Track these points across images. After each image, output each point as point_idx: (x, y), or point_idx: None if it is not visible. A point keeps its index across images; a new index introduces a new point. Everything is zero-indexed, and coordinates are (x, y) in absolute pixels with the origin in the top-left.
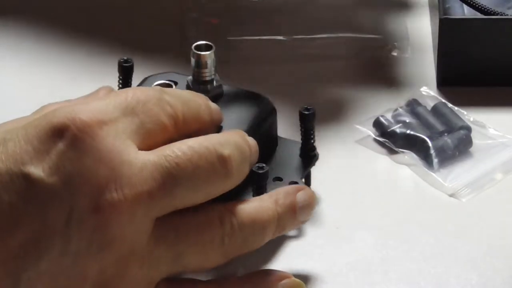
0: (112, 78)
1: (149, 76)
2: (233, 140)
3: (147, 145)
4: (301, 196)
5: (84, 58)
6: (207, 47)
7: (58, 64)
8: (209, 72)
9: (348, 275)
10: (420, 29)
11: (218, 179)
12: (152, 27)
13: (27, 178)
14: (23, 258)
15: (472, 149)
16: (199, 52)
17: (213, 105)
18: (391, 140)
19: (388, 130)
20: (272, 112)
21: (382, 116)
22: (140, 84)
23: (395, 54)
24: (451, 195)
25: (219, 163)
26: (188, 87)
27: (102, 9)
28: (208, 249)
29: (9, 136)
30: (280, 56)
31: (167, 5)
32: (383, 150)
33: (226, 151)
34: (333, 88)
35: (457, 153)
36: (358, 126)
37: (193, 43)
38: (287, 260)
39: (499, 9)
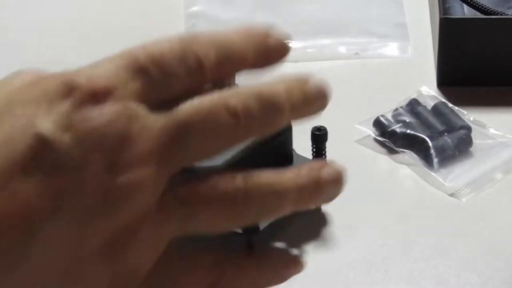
0: None
1: None
2: (249, 90)
3: (159, 100)
4: (327, 170)
5: (82, 61)
6: None
7: (56, 66)
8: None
9: (348, 275)
10: (420, 29)
11: (228, 130)
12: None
13: (39, 137)
14: (37, 218)
15: (472, 149)
16: None
17: (256, 31)
18: (391, 139)
19: (388, 129)
20: (288, 127)
21: (382, 116)
22: None
23: (395, 54)
24: (451, 195)
25: (227, 113)
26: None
27: (103, 9)
28: (222, 210)
29: (17, 97)
30: None
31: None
32: (383, 150)
33: (233, 101)
34: (333, 88)
35: (457, 153)
36: (358, 126)
37: None
38: None
39: (499, 9)
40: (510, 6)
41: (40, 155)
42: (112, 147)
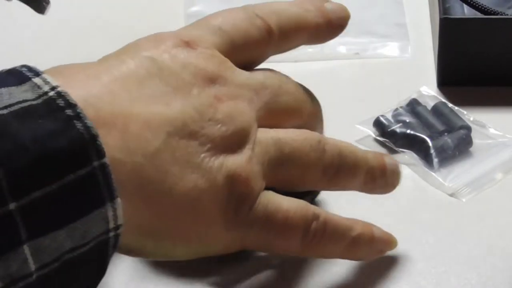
0: None
1: None
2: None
3: (243, 60)
4: (388, 159)
5: (82, 61)
6: None
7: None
8: None
9: (348, 275)
10: (420, 29)
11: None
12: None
13: (153, 60)
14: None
15: (472, 149)
16: None
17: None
18: (391, 139)
19: (388, 129)
20: None
21: (382, 115)
22: None
23: (395, 54)
24: (451, 195)
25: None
26: None
27: (102, 9)
28: (311, 158)
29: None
30: (280, 56)
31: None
32: (383, 150)
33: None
34: (333, 88)
35: (457, 153)
36: (358, 126)
37: None
38: (287, 260)
39: (499, 9)
40: (510, 6)
41: (152, 70)
42: (212, 79)
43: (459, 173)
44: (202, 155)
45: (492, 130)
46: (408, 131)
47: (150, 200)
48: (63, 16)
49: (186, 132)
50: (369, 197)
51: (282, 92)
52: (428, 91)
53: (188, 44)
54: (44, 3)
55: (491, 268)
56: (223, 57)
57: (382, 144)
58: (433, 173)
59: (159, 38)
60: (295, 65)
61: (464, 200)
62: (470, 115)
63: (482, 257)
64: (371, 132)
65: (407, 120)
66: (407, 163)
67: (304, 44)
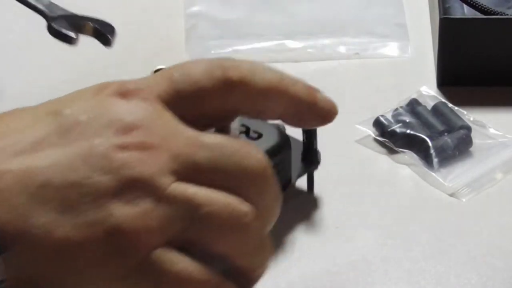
0: (110, 80)
1: None
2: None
3: (182, 108)
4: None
5: (82, 61)
6: None
7: (59, 66)
8: None
9: (348, 275)
10: (420, 29)
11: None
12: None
13: (57, 114)
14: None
15: (472, 149)
16: None
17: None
18: (391, 139)
19: (388, 129)
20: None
21: (382, 116)
22: None
23: (395, 54)
24: (451, 195)
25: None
26: None
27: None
28: (226, 221)
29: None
30: (280, 56)
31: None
32: (383, 150)
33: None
34: (333, 88)
35: (457, 153)
36: (358, 126)
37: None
38: (287, 260)
39: (499, 9)
40: (510, 6)
41: (58, 130)
42: (126, 128)
43: (459, 173)
44: (83, 206)
45: (492, 130)
46: (408, 131)
47: (27, 250)
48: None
49: (65, 182)
50: (369, 197)
51: (221, 154)
52: (428, 91)
53: (126, 94)
54: (110, 37)
55: (491, 268)
56: (161, 109)
57: (382, 144)
58: (433, 173)
59: (102, 87)
60: (295, 65)
61: (464, 200)
62: (470, 115)
63: (482, 257)
64: (371, 132)
65: (407, 120)
66: (407, 163)
67: (281, 118)
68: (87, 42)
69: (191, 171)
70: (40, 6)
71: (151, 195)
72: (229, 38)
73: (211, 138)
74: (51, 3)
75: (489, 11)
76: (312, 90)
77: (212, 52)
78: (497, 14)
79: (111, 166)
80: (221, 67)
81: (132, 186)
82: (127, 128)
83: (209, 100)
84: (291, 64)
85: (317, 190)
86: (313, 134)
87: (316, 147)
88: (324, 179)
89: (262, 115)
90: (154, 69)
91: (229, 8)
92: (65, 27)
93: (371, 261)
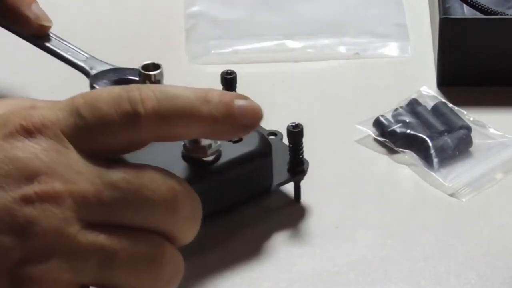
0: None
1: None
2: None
3: (92, 145)
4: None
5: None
6: (154, 67)
7: (55, 66)
8: None
9: (348, 275)
10: (420, 29)
11: (162, 211)
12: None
13: None
14: None
15: (472, 148)
16: (148, 73)
17: (214, 106)
18: (391, 139)
19: (388, 129)
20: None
21: (382, 115)
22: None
23: (395, 54)
24: (451, 195)
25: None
26: None
27: (102, 9)
28: (140, 266)
29: None
30: (280, 56)
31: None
32: (383, 150)
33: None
34: (333, 88)
35: (457, 152)
36: (358, 126)
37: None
38: (287, 260)
39: (499, 9)
40: (510, 6)
41: None
42: (29, 177)
43: (459, 173)
44: None
45: (492, 130)
46: (408, 131)
47: None
48: (62, 17)
49: None
50: (368, 197)
51: (127, 190)
52: (428, 91)
53: (28, 132)
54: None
55: (491, 268)
56: (65, 146)
57: (382, 144)
58: (433, 173)
59: (3, 122)
60: (295, 65)
61: (464, 200)
62: (470, 115)
63: (482, 257)
64: (371, 132)
65: (407, 120)
66: (407, 163)
67: (203, 137)
68: (86, 42)
69: (99, 213)
70: (79, 62)
71: (60, 248)
72: (229, 38)
73: (116, 174)
74: (90, 57)
75: (489, 11)
76: (229, 104)
77: (212, 52)
78: (497, 14)
79: (16, 224)
80: (129, 100)
81: (40, 242)
82: (29, 176)
83: (118, 133)
84: (291, 64)
85: (317, 190)
86: (298, 144)
87: (302, 157)
88: (324, 179)
89: (176, 139)
90: (142, 64)
91: (229, 8)
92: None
93: (371, 261)
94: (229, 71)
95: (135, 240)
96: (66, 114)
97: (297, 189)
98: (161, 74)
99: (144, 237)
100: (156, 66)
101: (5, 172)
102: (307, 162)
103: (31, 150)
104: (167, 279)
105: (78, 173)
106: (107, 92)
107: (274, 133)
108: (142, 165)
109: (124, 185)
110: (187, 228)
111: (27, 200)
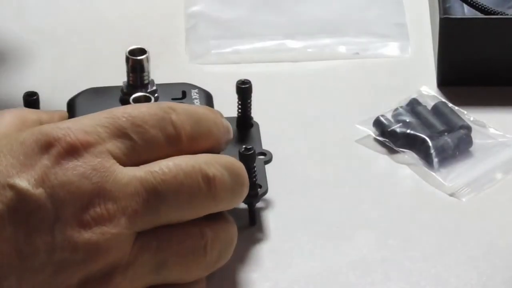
0: (110, 80)
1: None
2: (223, 161)
3: (137, 163)
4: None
5: (82, 61)
6: (141, 51)
7: (57, 66)
8: (147, 76)
9: (348, 275)
10: (420, 29)
11: (203, 199)
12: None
13: (12, 189)
14: (4, 266)
15: (472, 148)
16: (135, 57)
17: (225, 122)
18: (391, 139)
19: (388, 129)
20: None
21: (382, 115)
22: (72, 98)
23: (395, 54)
24: (451, 195)
25: (203, 183)
26: (124, 93)
27: (102, 9)
28: (190, 260)
29: None
30: (280, 56)
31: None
32: (383, 150)
33: (211, 171)
34: (333, 88)
35: (457, 152)
36: (358, 126)
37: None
38: (287, 260)
39: (499, 9)
40: (510, 6)
41: (13, 208)
42: (83, 202)
43: (459, 173)
44: None
45: (492, 130)
46: (408, 131)
47: None
48: (63, 17)
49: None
50: (368, 197)
51: (174, 198)
52: (428, 91)
53: (77, 150)
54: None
55: (491, 268)
56: (109, 164)
57: (382, 144)
58: (433, 173)
59: (47, 143)
60: (295, 65)
61: (464, 200)
62: (470, 115)
63: (482, 257)
64: (371, 132)
65: (407, 120)
66: (407, 163)
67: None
68: (86, 42)
69: (149, 222)
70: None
71: (119, 263)
72: (229, 38)
73: (154, 177)
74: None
75: (489, 11)
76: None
77: (213, 51)
78: (497, 14)
79: (77, 250)
80: (172, 123)
81: (100, 264)
82: (84, 201)
83: (161, 152)
84: (291, 64)
85: (317, 190)
86: (250, 168)
87: (256, 180)
88: (324, 179)
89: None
90: (128, 50)
91: (229, 8)
92: None
93: (371, 261)
94: (245, 81)
95: (181, 236)
96: (110, 132)
97: (252, 211)
98: (147, 58)
99: (187, 230)
100: (142, 51)
101: (60, 200)
102: (262, 187)
103: (80, 171)
104: (215, 259)
105: (126, 186)
106: (148, 113)
107: (263, 153)
108: (167, 161)
109: (164, 187)
110: (231, 199)
111: (85, 226)
